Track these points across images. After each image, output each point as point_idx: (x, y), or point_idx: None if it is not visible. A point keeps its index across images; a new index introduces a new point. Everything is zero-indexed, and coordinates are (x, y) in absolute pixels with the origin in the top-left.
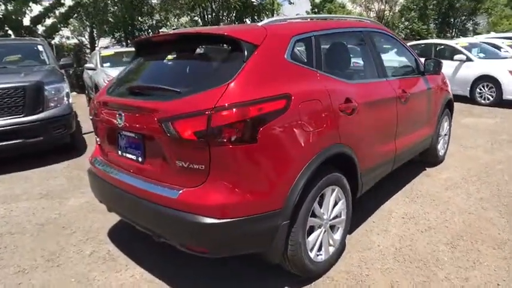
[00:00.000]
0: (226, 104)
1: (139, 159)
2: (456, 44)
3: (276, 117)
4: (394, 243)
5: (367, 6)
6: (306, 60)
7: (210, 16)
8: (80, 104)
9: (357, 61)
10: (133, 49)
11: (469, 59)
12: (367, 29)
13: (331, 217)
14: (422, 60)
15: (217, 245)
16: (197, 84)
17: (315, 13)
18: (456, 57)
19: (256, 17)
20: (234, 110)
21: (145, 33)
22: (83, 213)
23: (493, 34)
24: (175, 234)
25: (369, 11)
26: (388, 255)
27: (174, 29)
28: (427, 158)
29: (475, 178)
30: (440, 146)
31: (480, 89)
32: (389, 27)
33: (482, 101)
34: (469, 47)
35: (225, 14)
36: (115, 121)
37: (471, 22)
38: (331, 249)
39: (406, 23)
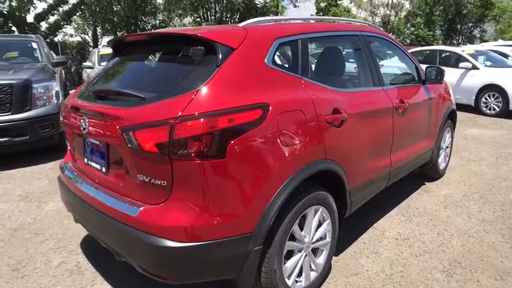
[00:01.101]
0: (192, 114)
1: (103, 169)
2: (462, 51)
3: (249, 129)
4: (384, 269)
5: (373, 11)
6: (290, 65)
7: (213, 17)
8: None
9: (363, 66)
10: None
11: (474, 67)
12: (363, 32)
13: (314, 240)
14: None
15: (179, 271)
16: (164, 90)
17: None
18: (461, 64)
19: None
20: (201, 120)
21: None
22: (59, 219)
23: (500, 42)
24: (134, 256)
25: (374, 16)
26: (377, 282)
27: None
28: (427, 172)
29: (478, 196)
30: (441, 160)
31: (486, 99)
32: (394, 33)
33: (488, 111)
34: (476, 55)
35: (228, 15)
36: (80, 126)
37: (478, 29)
38: (313, 275)
39: (412, 29)
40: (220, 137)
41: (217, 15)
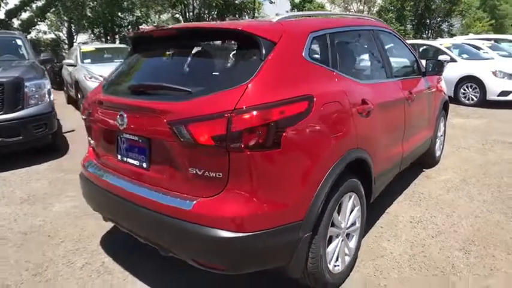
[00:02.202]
0: (246, 106)
1: (144, 165)
2: (440, 44)
3: (298, 120)
4: (406, 250)
5: (346, 7)
6: (322, 59)
7: (191, 14)
8: (58, 101)
9: (379, 60)
10: (115, 45)
11: (453, 60)
12: (375, 27)
13: (348, 225)
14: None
15: (235, 261)
16: (210, 83)
17: None
18: (440, 57)
19: (237, 16)
20: (256, 112)
21: (126, 29)
22: (71, 220)
23: (471, 35)
24: (187, 250)
25: (347, 12)
26: (403, 262)
27: (155, 25)
28: (425, 159)
29: (474, 180)
30: (437, 147)
31: (464, 90)
32: None
33: (466, 101)
34: (451, 48)
35: (206, 11)
36: (114, 122)
37: (446, 23)
38: (347, 259)
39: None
40: (275, 128)
41: (195, 11)
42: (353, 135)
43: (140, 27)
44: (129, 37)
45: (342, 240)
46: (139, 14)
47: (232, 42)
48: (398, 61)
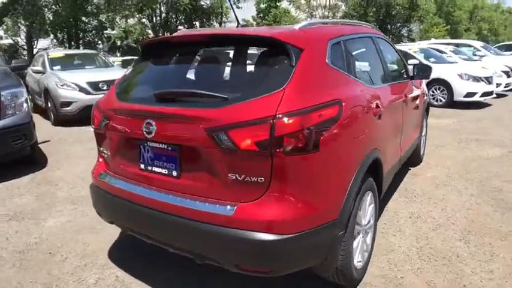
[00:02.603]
0: (288, 111)
1: (174, 173)
2: (409, 49)
3: (332, 123)
4: (413, 243)
5: (311, 13)
6: (340, 65)
7: (158, 18)
8: None
9: (381, 65)
10: (85, 51)
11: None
12: (373, 34)
13: (366, 222)
14: None
15: (280, 263)
16: (244, 90)
17: (261, 18)
18: (410, 61)
19: (205, 20)
20: (297, 117)
21: (90, 34)
22: (69, 235)
23: (433, 40)
24: (231, 256)
25: (312, 17)
26: (413, 255)
27: (123, 31)
28: (412, 158)
29: (458, 175)
30: (421, 146)
31: (433, 92)
32: None
33: (435, 103)
34: (418, 52)
35: (173, 16)
36: (139, 131)
37: (406, 29)
38: (366, 255)
39: None
40: (314, 132)
41: (162, 16)
42: (372, 137)
43: (105, 32)
44: (143, 43)
45: (362, 237)
46: (105, 18)
47: (263, 48)
48: (392, 66)
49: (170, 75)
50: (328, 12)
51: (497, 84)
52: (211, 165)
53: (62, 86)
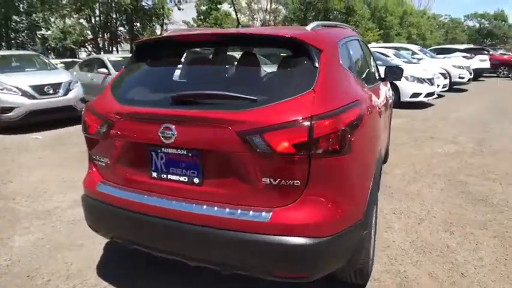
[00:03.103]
0: (323, 112)
1: (195, 180)
2: None
3: (359, 124)
4: (405, 238)
5: (253, 16)
6: (348, 65)
7: (97, 18)
8: None
9: (369, 66)
10: (23, 52)
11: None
12: (358, 36)
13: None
14: None
15: (317, 267)
16: (271, 91)
17: (201, 20)
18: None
19: (147, 21)
20: (332, 118)
21: (22, 34)
22: (46, 254)
23: (374, 44)
24: (265, 263)
25: (253, 20)
26: (408, 249)
27: (61, 31)
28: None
29: (425, 171)
30: (388, 145)
31: None
32: None
33: None
34: None
35: (114, 16)
36: (153, 136)
37: None
38: (371, 252)
39: None
40: (347, 133)
41: (101, 16)
42: (379, 136)
43: (38, 32)
44: (141, 42)
45: (371, 235)
46: (39, 17)
47: (284, 49)
48: (372, 68)
49: (183, 76)
50: (269, 16)
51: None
52: (241, 170)
53: (1, 90)
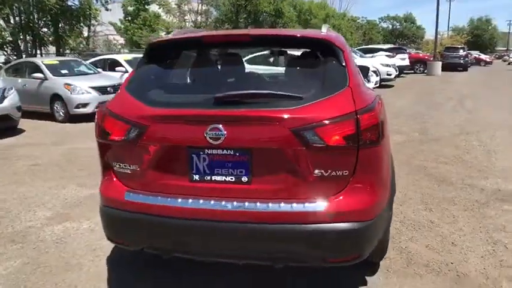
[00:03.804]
0: (364, 106)
1: (244, 179)
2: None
3: (384, 116)
4: (394, 219)
5: (183, 18)
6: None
7: (18, 18)
8: None
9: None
10: None
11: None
12: None
13: None
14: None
15: (366, 247)
16: (311, 88)
17: (129, 21)
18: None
19: (74, 22)
20: (372, 111)
21: None
22: (40, 278)
23: None
24: (320, 250)
25: (184, 22)
26: (401, 228)
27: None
28: None
29: None
30: None
31: None
32: None
33: None
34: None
35: (37, 17)
36: (198, 138)
37: None
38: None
39: None
40: (382, 125)
41: (22, 16)
42: None
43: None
44: (153, 43)
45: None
46: None
47: (312, 49)
48: None
49: (215, 77)
50: (201, 18)
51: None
52: (292, 164)
53: None
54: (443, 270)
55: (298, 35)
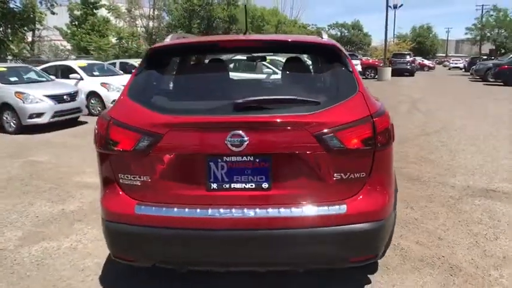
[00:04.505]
0: (377, 110)
1: (264, 185)
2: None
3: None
4: None
5: (133, 22)
6: None
7: None
8: None
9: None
10: None
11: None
12: None
13: None
14: None
15: (382, 246)
16: (325, 93)
17: (76, 26)
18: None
19: (17, 26)
20: (384, 115)
21: None
22: None
23: None
24: (343, 252)
25: (135, 27)
26: None
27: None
28: None
29: None
30: None
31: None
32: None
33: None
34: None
35: None
36: (216, 145)
37: None
38: None
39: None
40: (392, 127)
41: None
42: None
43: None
44: (155, 48)
45: None
46: None
47: (319, 55)
48: None
49: (228, 82)
50: (154, 22)
51: None
52: (312, 168)
53: None
54: (437, 264)
55: (307, 41)
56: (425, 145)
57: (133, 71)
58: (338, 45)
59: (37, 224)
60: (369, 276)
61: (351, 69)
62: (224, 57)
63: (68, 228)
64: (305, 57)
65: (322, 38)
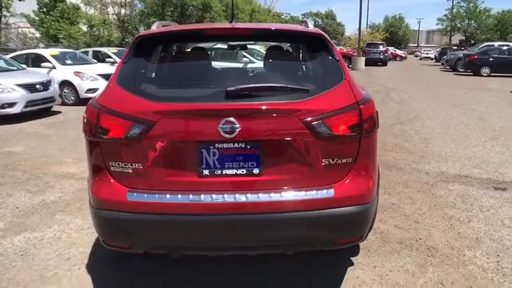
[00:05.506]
0: (362, 98)
1: (255, 171)
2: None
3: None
4: None
5: (103, 10)
6: None
7: None
8: None
9: None
10: None
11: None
12: None
13: None
14: None
15: (367, 228)
16: (313, 81)
17: (44, 13)
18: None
19: None
20: (369, 102)
21: None
22: None
23: None
24: (330, 234)
25: (107, 14)
26: None
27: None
28: None
29: None
30: None
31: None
32: (132, 31)
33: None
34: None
35: None
36: (209, 132)
37: None
38: None
39: (142, 28)
40: (376, 114)
41: None
42: None
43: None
44: (143, 36)
45: None
46: None
47: (305, 44)
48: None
49: (216, 70)
50: (126, 9)
51: None
52: (301, 154)
53: None
54: (415, 246)
55: (296, 30)
56: (400, 133)
57: (107, 59)
58: (325, 34)
59: (18, 215)
60: (351, 258)
61: (337, 58)
62: (204, 45)
63: (50, 219)
64: (287, 45)
65: (308, 27)
